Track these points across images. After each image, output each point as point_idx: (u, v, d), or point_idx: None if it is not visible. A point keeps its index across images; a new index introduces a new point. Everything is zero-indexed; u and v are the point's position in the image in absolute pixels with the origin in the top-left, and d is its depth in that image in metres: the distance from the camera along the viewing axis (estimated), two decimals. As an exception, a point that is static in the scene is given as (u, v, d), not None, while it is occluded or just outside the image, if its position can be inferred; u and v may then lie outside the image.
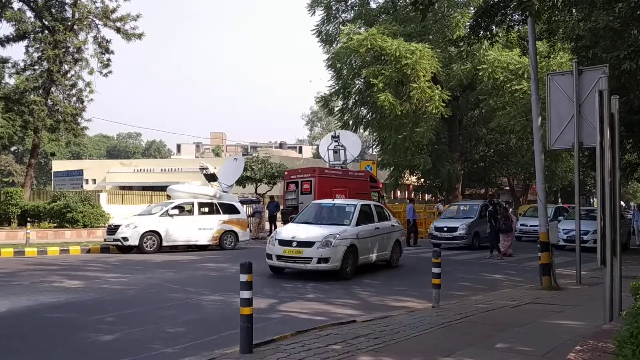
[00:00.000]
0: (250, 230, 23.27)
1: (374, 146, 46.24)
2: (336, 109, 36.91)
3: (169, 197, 21.73)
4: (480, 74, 29.26)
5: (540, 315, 7.92)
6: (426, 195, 51.20)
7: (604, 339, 4.34)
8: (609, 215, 6.19)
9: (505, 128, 31.53)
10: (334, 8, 35.84)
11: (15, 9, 26.81)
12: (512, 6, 11.91)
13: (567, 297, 9.74)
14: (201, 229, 19.19)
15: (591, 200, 57.68)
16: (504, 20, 12.85)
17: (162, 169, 52.95)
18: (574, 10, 14.20)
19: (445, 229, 21.14)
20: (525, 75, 27.17)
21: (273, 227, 25.21)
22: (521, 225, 24.92)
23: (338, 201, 14.89)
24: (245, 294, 5.86)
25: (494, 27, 13.23)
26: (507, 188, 55.06)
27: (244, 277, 5.91)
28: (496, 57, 28.24)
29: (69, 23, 27.26)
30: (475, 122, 40.58)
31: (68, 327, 7.57)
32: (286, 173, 25.37)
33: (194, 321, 7.94)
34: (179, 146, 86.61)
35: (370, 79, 29.41)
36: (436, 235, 21.19)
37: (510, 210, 21.02)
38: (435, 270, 8.57)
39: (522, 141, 33.55)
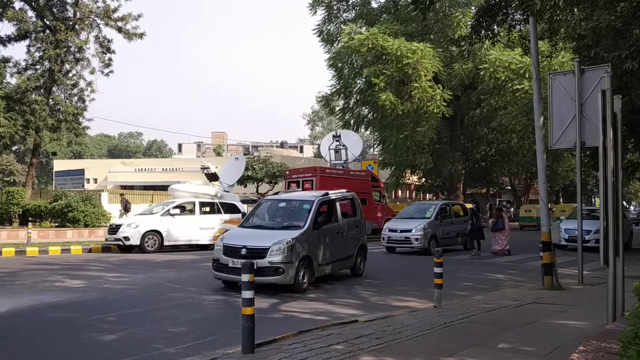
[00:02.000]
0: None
1: (375, 146, 46.25)
2: (337, 108, 36.95)
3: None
4: (481, 73, 29.28)
5: (542, 315, 7.90)
6: (427, 195, 51.22)
7: (608, 339, 4.33)
8: (611, 215, 6.18)
9: (506, 127, 31.58)
10: (335, 8, 35.88)
11: (17, 9, 26.83)
12: (513, 5, 11.90)
13: (570, 297, 9.72)
14: (202, 229, 19.18)
15: (592, 199, 57.72)
16: (505, 19, 12.83)
17: (163, 169, 52.92)
18: (575, 10, 14.19)
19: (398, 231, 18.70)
20: (527, 75, 27.18)
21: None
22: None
23: None
24: (247, 294, 5.85)
25: (495, 27, 13.21)
26: (509, 187, 55.08)
27: (245, 277, 5.89)
28: (497, 57, 28.26)
29: (71, 22, 27.28)
30: (476, 121, 40.61)
31: (70, 326, 7.56)
32: (287, 172, 25.43)
33: (196, 321, 7.93)
34: (180, 145, 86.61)
35: (372, 79, 29.43)
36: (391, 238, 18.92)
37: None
38: (437, 270, 8.54)
39: (523, 140, 33.58)
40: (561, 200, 52.47)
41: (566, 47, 19.42)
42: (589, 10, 13.68)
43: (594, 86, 10.03)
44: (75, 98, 28.49)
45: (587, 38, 14.82)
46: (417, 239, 17.93)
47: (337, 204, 12.22)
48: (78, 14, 27.51)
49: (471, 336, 6.66)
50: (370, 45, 28.76)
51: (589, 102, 10.13)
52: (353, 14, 35.87)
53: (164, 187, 28.88)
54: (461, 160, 37.32)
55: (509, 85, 28.95)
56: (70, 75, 28.02)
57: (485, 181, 49.15)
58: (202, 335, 6.99)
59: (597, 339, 4.47)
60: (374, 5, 36.69)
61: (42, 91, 27.17)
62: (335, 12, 36.03)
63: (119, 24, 27.64)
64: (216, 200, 20.34)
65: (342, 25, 34.50)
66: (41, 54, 26.87)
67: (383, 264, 15.73)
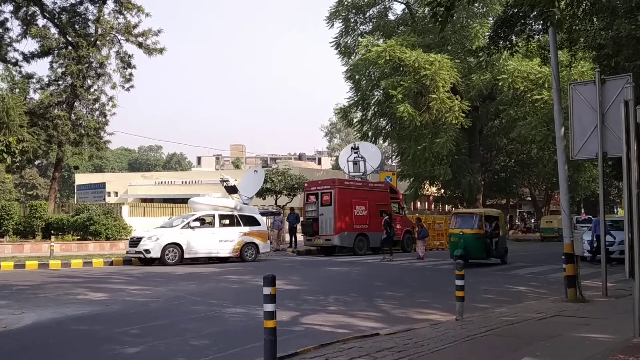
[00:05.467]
0: (271, 242, 23.32)
1: (393, 157, 46.22)
2: (355, 120, 37.02)
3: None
4: (500, 84, 29.15)
5: (566, 328, 7.79)
6: (446, 206, 50.90)
7: (635, 353, 4.27)
8: (636, 227, 6.10)
9: (526, 138, 31.34)
10: (352, 20, 36.04)
11: (40, 26, 27.43)
12: (532, 16, 11.87)
13: (594, 309, 9.57)
14: (222, 241, 19.26)
15: (615, 210, 56.87)
16: (523, 30, 12.81)
17: (182, 182, 53.37)
18: (595, 19, 14.11)
19: None
20: (546, 85, 26.99)
21: (293, 239, 25.24)
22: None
23: None
24: (269, 307, 5.84)
25: (513, 37, 13.18)
26: (529, 198, 54.52)
27: (267, 290, 5.88)
28: (516, 67, 28.12)
29: (92, 39, 27.76)
30: (495, 132, 40.39)
31: (93, 339, 7.63)
32: (306, 185, 25.47)
33: (217, 333, 7.95)
34: (199, 158, 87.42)
35: (389, 90, 29.45)
36: None
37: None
38: (459, 282, 8.48)
39: (543, 151, 33.32)
40: (582, 211, 51.79)
41: (586, 56, 19.24)
42: (609, 20, 13.58)
43: (615, 96, 9.91)
44: (97, 113, 28.96)
45: (608, 47, 14.67)
46: None
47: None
48: (99, 30, 28.01)
49: (494, 349, 6.59)
50: (388, 57, 28.81)
51: (611, 112, 10.00)
52: (370, 27, 36.01)
53: (183, 200, 29.09)
54: (480, 171, 37.07)
55: (528, 95, 28.77)
56: (91, 90, 28.51)
57: (505, 192, 48.72)
58: (223, 348, 7.00)
59: (624, 353, 4.41)
60: (391, 17, 36.83)
61: (64, 106, 27.63)
62: (352, 24, 36.19)
63: (140, 39, 28.09)
64: (236, 213, 20.44)
65: (359, 38, 34.61)
66: (63, 69, 27.37)
67: (401, 275, 15.65)
